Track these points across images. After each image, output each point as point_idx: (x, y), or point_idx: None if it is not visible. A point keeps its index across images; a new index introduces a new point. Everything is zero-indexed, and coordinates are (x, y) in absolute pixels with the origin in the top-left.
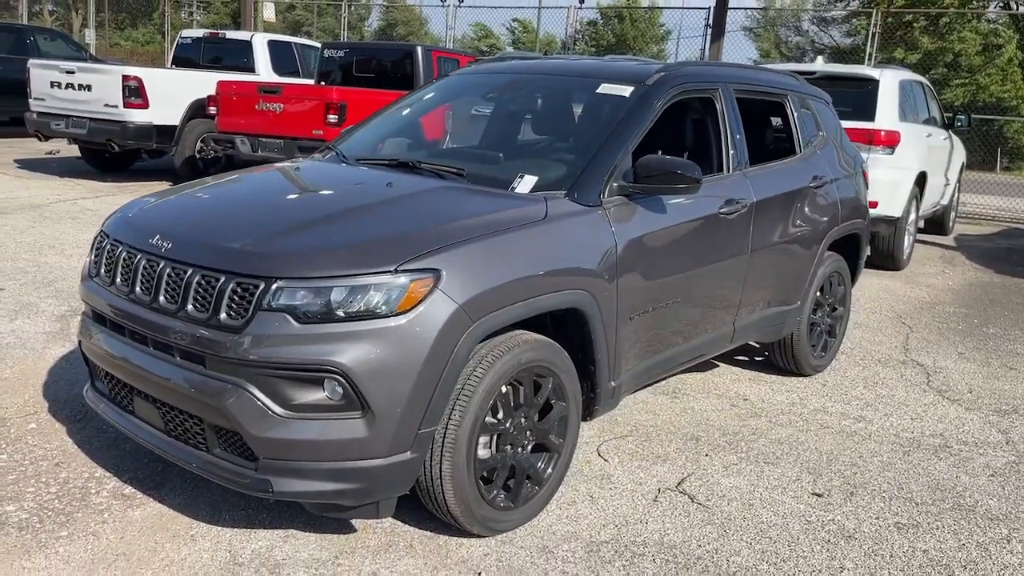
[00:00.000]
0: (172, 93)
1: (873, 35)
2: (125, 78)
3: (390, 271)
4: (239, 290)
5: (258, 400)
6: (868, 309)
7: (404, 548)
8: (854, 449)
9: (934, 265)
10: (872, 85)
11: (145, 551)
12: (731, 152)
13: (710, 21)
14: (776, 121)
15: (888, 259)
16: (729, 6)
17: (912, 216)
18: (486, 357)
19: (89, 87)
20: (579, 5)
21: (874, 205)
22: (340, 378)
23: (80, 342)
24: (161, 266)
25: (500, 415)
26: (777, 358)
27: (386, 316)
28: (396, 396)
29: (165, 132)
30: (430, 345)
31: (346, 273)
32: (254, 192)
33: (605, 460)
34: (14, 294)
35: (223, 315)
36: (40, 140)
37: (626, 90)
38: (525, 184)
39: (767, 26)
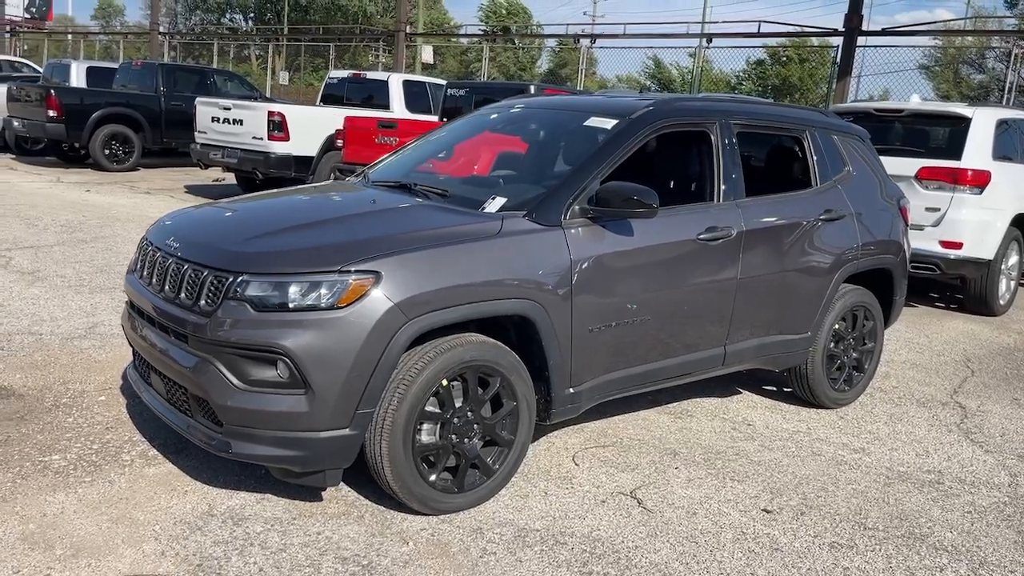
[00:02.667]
0: (311, 127)
1: (1012, 85)
2: (270, 114)
3: (335, 270)
4: (215, 282)
5: (223, 374)
6: (936, 351)
7: (355, 517)
8: (833, 476)
9: None
10: (964, 124)
11: (144, 498)
12: (723, 182)
13: (837, 59)
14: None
15: (980, 303)
16: (859, 45)
17: (1013, 260)
18: (427, 352)
19: (241, 122)
20: (706, 45)
21: (958, 246)
22: (286, 359)
23: (123, 327)
24: (170, 262)
25: (444, 406)
26: (794, 387)
27: (329, 308)
28: (334, 378)
29: (303, 162)
30: (365, 336)
31: (298, 271)
32: (260, 205)
33: (576, 465)
34: None
35: (202, 302)
36: (202, 168)
37: (609, 123)
38: (494, 205)
39: (946, 65)
